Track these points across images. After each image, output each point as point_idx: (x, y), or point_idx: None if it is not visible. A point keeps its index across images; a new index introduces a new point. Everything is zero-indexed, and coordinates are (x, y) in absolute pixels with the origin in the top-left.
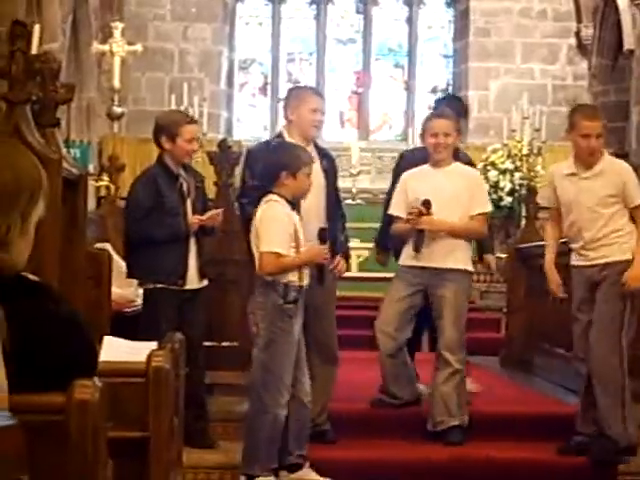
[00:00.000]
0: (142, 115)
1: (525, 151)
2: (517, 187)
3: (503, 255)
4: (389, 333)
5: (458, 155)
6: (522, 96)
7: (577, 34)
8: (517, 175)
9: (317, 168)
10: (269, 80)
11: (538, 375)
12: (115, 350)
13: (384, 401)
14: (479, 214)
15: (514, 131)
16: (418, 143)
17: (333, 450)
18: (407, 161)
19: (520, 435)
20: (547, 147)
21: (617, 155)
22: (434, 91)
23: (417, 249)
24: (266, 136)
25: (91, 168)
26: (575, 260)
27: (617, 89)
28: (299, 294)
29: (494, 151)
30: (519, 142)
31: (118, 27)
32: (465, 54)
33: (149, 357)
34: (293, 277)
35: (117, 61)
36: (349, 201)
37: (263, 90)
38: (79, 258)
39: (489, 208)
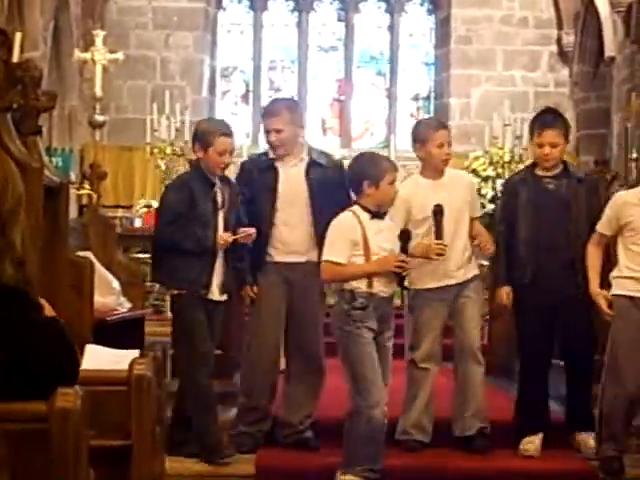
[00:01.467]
0: (124, 123)
1: (507, 158)
2: (499, 194)
3: (485, 262)
4: (430, 367)
5: None
6: (503, 103)
7: (558, 41)
8: (499, 182)
9: (300, 178)
10: (251, 88)
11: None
12: (97, 358)
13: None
14: (478, 217)
15: (496, 138)
16: (401, 150)
17: (317, 457)
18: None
19: (505, 442)
20: (528, 154)
21: (597, 162)
22: (416, 98)
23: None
24: (248, 143)
25: (73, 176)
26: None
27: (598, 96)
28: (369, 300)
29: (476, 158)
30: (501, 149)
31: (100, 35)
32: (447, 61)
33: (131, 365)
34: (360, 284)
35: (99, 69)
36: None
37: (245, 98)
38: (61, 266)
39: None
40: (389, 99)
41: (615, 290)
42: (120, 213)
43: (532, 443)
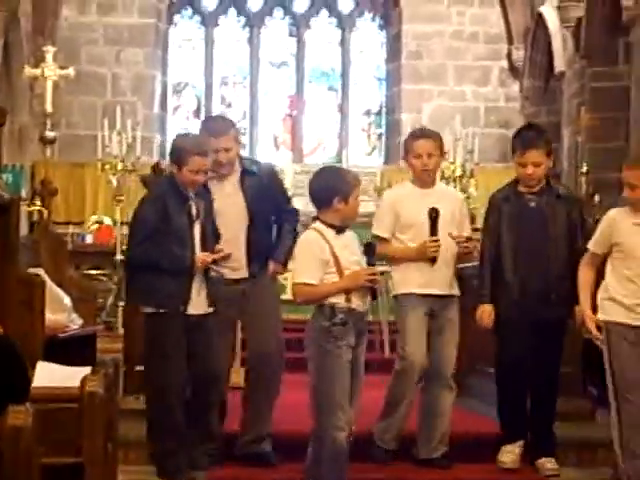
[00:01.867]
0: (75, 139)
1: (458, 172)
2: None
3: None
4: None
5: None
6: (455, 118)
7: (508, 56)
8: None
9: (235, 190)
10: (202, 103)
11: (472, 396)
12: (49, 375)
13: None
14: (467, 237)
15: (447, 153)
16: (352, 164)
17: (274, 473)
18: None
19: (458, 456)
20: (480, 169)
21: (547, 176)
22: (367, 114)
23: (435, 261)
24: None
25: (24, 193)
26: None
27: (549, 110)
28: (349, 316)
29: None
30: (452, 164)
31: (50, 51)
32: (398, 77)
33: (83, 382)
34: (339, 299)
35: (49, 85)
36: None
37: (196, 113)
38: (11, 283)
39: None
40: (341, 114)
41: (605, 316)
42: (71, 229)
43: (511, 453)
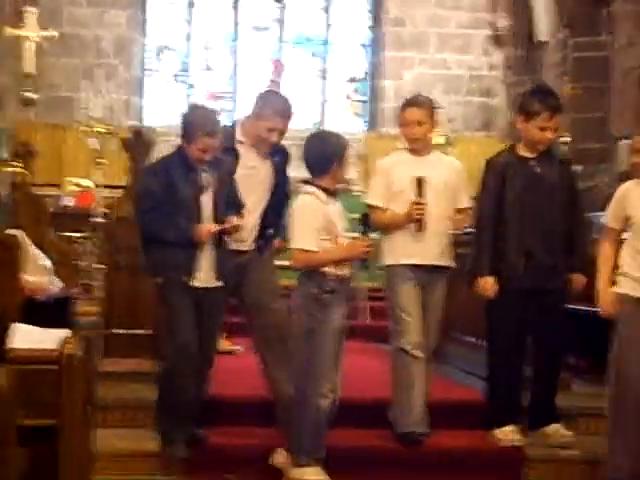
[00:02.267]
0: (56, 101)
1: (441, 140)
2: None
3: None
4: (422, 345)
5: None
6: (437, 86)
7: (492, 25)
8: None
9: (267, 165)
10: (184, 67)
11: (450, 363)
12: (27, 337)
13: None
14: (467, 208)
15: (437, 121)
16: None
17: (257, 437)
18: None
19: (437, 423)
20: (460, 137)
21: None
22: (351, 80)
23: (421, 228)
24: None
25: (4, 154)
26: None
27: (531, 80)
28: (338, 284)
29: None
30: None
31: (32, 12)
32: (381, 43)
33: (62, 344)
34: (329, 266)
35: (31, 47)
36: None
37: (178, 77)
38: None
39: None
40: (323, 80)
41: (618, 289)
42: (52, 192)
43: (516, 432)
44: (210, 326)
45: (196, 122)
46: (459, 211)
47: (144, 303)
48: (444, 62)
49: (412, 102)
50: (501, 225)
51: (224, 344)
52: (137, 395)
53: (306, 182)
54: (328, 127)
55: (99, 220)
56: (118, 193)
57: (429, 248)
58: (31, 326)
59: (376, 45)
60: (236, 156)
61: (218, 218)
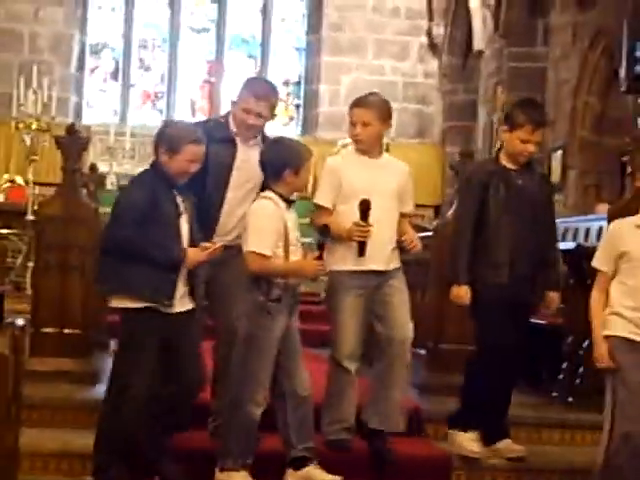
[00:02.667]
0: None
1: None
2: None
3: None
4: (356, 358)
5: None
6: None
7: (428, 33)
8: None
9: (256, 157)
10: (120, 65)
11: None
12: None
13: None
14: (410, 213)
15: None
16: (268, 134)
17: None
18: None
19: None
20: (396, 144)
21: (462, 154)
22: (286, 83)
23: (362, 253)
24: (116, 121)
25: None
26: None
27: (466, 88)
28: (284, 292)
29: (344, 145)
30: None
31: None
32: (318, 48)
33: None
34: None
35: None
36: None
37: (114, 75)
38: None
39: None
40: None
41: (609, 331)
42: None
43: (476, 441)
44: (188, 352)
45: (180, 132)
46: (402, 215)
47: (73, 302)
48: (381, 68)
49: (358, 102)
50: (482, 234)
51: None
52: (64, 394)
53: (265, 187)
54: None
55: (30, 217)
56: (50, 191)
57: (376, 253)
58: None
59: (312, 49)
60: (234, 147)
61: (195, 242)
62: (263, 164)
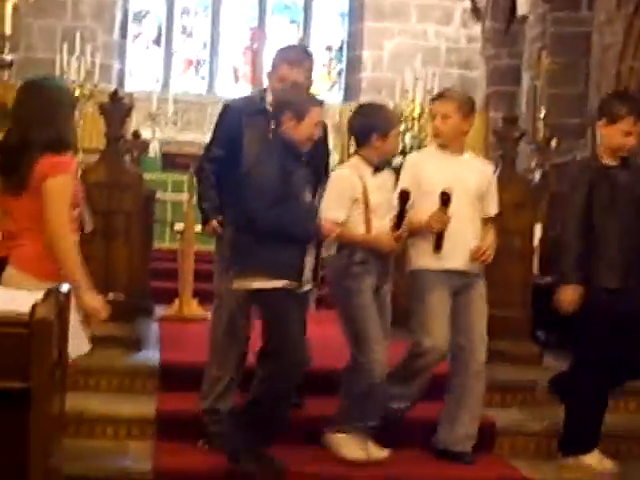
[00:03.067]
0: (33, 62)
1: (417, 112)
2: (408, 147)
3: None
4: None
5: None
6: (415, 57)
7: None
8: (408, 135)
9: None
10: (163, 32)
11: None
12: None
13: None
14: (493, 217)
15: (407, 91)
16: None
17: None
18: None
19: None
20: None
21: (505, 120)
22: (329, 49)
23: (439, 246)
24: (158, 88)
25: None
26: None
27: (509, 53)
28: (368, 255)
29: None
30: (412, 102)
31: None
32: (361, 13)
33: (33, 308)
34: None
35: (8, 7)
36: None
37: (157, 42)
38: None
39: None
40: None
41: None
42: None
43: (603, 458)
44: (304, 329)
45: (301, 98)
46: (485, 221)
47: (118, 268)
48: (424, 33)
49: (438, 94)
50: (589, 235)
51: (196, 310)
52: (109, 360)
53: (355, 152)
54: None
55: None
56: (94, 157)
57: (456, 253)
58: (2, 288)
59: (355, 14)
60: (267, 119)
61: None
62: (351, 129)
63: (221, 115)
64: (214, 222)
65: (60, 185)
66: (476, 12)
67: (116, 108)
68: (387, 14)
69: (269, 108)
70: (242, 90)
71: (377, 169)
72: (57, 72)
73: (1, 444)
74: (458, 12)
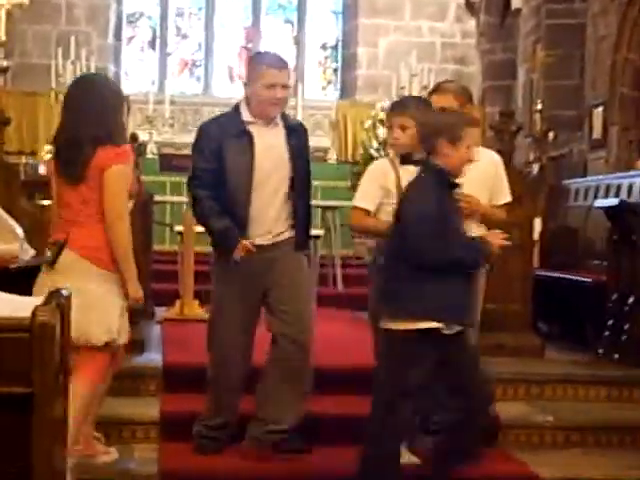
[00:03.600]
0: (28, 68)
1: None
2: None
3: None
4: None
5: None
6: (411, 53)
7: None
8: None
9: (280, 145)
10: (158, 34)
11: None
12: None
13: None
14: (504, 204)
15: (402, 88)
16: (308, 99)
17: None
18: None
19: None
20: None
21: (502, 114)
22: (324, 47)
23: None
24: (154, 90)
25: None
26: None
27: (504, 47)
28: None
29: (382, 108)
30: None
31: None
32: (355, 11)
33: (34, 312)
34: None
35: (2, 13)
36: None
37: (152, 44)
38: None
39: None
40: (297, 47)
41: None
42: (24, 159)
43: None
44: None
45: (458, 117)
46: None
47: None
48: (418, 29)
49: (434, 89)
50: None
51: (198, 311)
52: None
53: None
54: (302, 95)
55: None
56: None
57: None
58: (3, 293)
59: (349, 12)
60: (250, 139)
61: None
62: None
63: (197, 140)
64: (245, 242)
65: (119, 174)
66: (470, 7)
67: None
68: (381, 11)
69: (250, 128)
70: (238, 90)
71: (413, 162)
72: (52, 77)
73: (4, 449)
74: (452, 7)
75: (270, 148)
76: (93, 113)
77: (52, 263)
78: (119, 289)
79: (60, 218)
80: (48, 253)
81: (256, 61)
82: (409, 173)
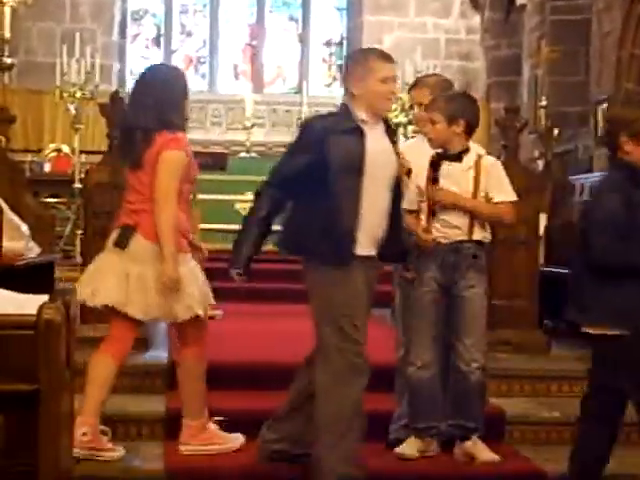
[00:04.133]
0: (33, 66)
1: None
2: (410, 139)
3: None
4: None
5: None
6: (415, 50)
7: None
8: (410, 128)
9: (387, 145)
10: (162, 31)
11: None
12: (2, 302)
13: None
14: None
15: (407, 84)
16: (313, 95)
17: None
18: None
19: None
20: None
21: (507, 110)
22: (328, 44)
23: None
24: None
25: None
26: None
27: (509, 43)
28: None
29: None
30: None
31: None
32: (359, 7)
33: (40, 310)
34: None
35: (7, 11)
36: (243, 154)
37: (156, 41)
38: None
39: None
40: (301, 44)
41: None
42: (29, 157)
43: None
44: None
45: (626, 113)
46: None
47: None
48: (423, 26)
49: (413, 83)
50: None
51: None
52: None
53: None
54: (307, 91)
55: (77, 186)
56: (96, 158)
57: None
58: (6, 291)
59: (354, 9)
60: (362, 136)
61: None
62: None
63: (302, 134)
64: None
65: (172, 158)
66: (475, 3)
67: (117, 108)
68: (385, 7)
69: (360, 124)
70: (242, 87)
71: (446, 157)
72: (57, 75)
73: (11, 445)
74: (457, 3)
75: (377, 151)
76: (152, 100)
77: (123, 246)
78: (192, 266)
79: (127, 203)
80: (114, 235)
81: (365, 57)
82: (445, 169)
